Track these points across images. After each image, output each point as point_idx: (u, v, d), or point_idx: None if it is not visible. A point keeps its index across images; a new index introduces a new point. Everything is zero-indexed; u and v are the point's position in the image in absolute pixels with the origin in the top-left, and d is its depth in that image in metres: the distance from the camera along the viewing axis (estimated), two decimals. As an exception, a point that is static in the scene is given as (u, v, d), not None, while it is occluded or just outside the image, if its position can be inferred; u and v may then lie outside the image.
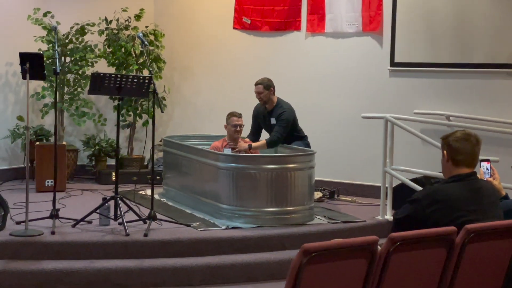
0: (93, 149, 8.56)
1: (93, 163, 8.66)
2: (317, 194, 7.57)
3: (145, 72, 8.47)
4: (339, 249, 3.25)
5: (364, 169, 8.00)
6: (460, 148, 3.88)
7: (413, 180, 6.84)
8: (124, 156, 8.75)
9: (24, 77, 5.83)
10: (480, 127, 7.04)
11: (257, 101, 7.51)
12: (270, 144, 7.25)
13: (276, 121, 7.33)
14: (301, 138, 7.50)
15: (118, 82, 5.96)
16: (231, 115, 7.14)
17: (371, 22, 7.96)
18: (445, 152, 3.93)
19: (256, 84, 7.36)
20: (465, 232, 3.56)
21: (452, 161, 3.91)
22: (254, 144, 7.25)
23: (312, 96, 8.29)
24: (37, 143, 7.89)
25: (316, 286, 3.20)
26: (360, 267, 3.33)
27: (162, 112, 6.28)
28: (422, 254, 3.53)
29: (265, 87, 7.30)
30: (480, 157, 4.26)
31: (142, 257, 5.66)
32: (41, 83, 8.22)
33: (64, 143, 7.97)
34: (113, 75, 5.97)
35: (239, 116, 7.13)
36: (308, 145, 7.44)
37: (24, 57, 5.80)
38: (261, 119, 7.59)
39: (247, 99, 7.89)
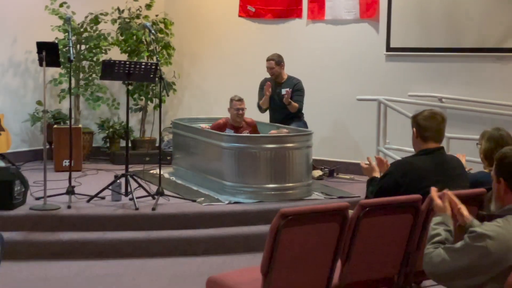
0: (107, 132, 9.00)
1: (108, 144, 9.11)
2: (317, 173, 7.96)
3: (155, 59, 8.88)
4: (313, 213, 3.65)
5: (362, 148, 8.32)
6: (428, 126, 4.27)
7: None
8: (136, 138, 9.19)
9: (41, 64, 6.27)
10: (468, 108, 7.42)
11: (260, 79, 8.18)
12: (299, 109, 7.97)
13: (293, 91, 7.93)
14: (299, 118, 7.97)
15: (127, 68, 6.39)
16: (234, 99, 7.58)
17: (368, 9, 8.31)
18: (414, 129, 4.33)
19: (268, 60, 8.01)
20: (429, 199, 3.89)
21: (420, 137, 4.31)
22: (292, 101, 7.83)
23: (313, 80, 8.54)
24: (55, 126, 8.37)
25: (293, 246, 3.59)
26: (333, 230, 3.71)
27: (168, 95, 6.71)
28: (390, 219, 3.90)
29: (276, 62, 7.99)
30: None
31: (150, 229, 6.11)
32: (58, 69, 8.60)
33: (80, 126, 8.44)
34: (122, 62, 6.39)
35: (241, 100, 7.58)
36: (305, 125, 7.88)
37: (41, 46, 6.26)
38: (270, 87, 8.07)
39: (251, 84, 8.33)
